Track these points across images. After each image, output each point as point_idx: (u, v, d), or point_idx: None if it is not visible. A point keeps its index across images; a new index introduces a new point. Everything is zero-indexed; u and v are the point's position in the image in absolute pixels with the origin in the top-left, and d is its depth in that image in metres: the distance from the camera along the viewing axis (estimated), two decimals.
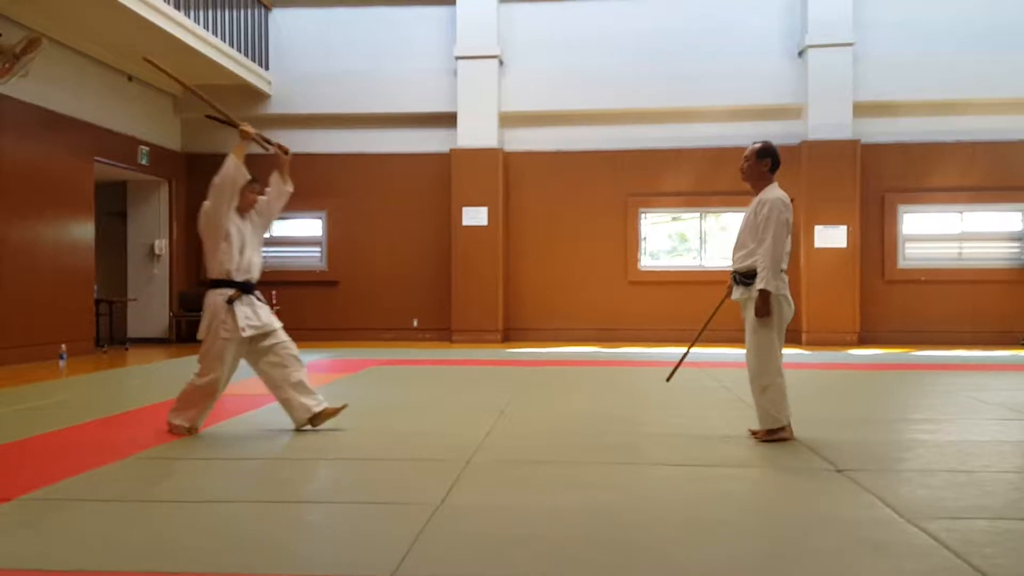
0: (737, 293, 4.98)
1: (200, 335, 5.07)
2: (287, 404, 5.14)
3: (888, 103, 12.92)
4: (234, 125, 5.25)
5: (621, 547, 2.92)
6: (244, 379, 8.10)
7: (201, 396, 5.06)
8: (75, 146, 11.00)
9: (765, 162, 4.96)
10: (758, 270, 4.77)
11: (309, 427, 5.12)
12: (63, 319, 10.69)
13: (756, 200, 4.92)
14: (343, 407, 5.23)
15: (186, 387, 5.10)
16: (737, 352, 11.58)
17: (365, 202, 13.59)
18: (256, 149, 5.25)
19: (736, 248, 4.98)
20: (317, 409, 5.10)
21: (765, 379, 4.81)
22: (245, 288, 5.04)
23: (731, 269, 5.00)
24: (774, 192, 4.88)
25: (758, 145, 5.01)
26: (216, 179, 4.98)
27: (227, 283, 4.98)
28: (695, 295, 12.86)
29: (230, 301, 4.93)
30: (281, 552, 2.87)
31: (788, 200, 4.90)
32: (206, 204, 5.02)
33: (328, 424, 5.21)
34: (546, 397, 6.90)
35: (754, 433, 4.95)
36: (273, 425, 5.47)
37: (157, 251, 13.49)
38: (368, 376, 8.42)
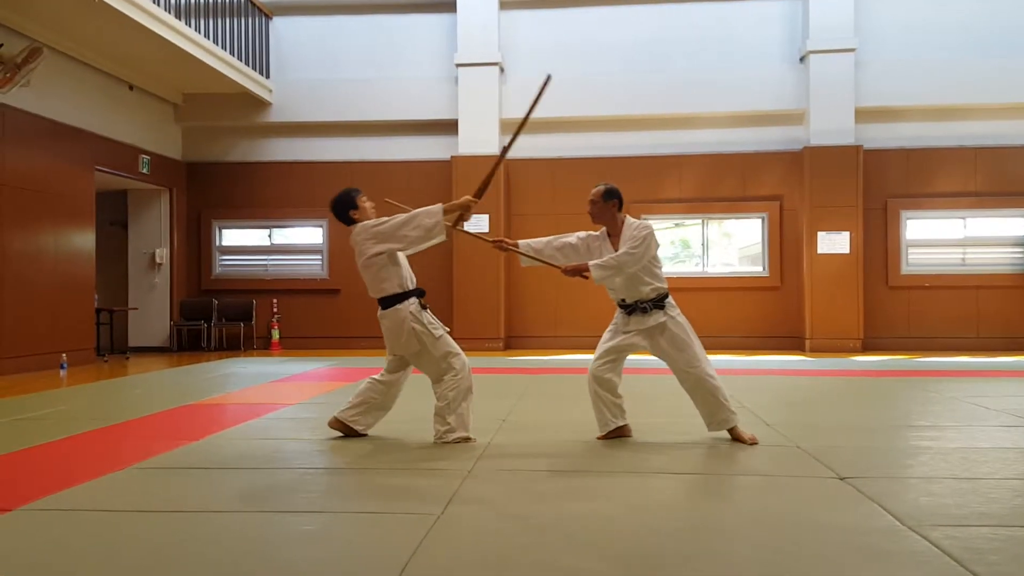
0: (651, 320, 5.00)
1: (405, 350, 5.00)
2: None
3: (890, 108, 12.92)
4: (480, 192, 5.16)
5: (622, 556, 2.90)
6: (245, 388, 8.10)
7: (468, 388, 5.02)
8: (76, 155, 11.02)
9: (613, 203, 5.10)
10: (608, 260, 4.87)
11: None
12: (64, 328, 10.70)
13: (627, 231, 5.02)
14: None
15: (444, 400, 4.97)
16: (740, 359, 11.53)
17: None
18: None
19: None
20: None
21: (717, 378, 4.98)
22: (422, 294, 5.07)
23: (629, 302, 5.04)
24: (638, 221, 5.08)
25: (603, 187, 5.13)
26: (410, 219, 4.89)
27: (408, 294, 4.99)
28: (698, 301, 12.82)
29: (423, 307, 4.99)
30: (279, 563, 2.85)
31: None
32: (379, 230, 4.91)
33: (328, 434, 5.20)
34: (548, 405, 6.89)
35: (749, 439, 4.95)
36: (273, 434, 5.46)
37: (158, 260, 13.51)
38: None
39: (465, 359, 5.08)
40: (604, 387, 5.13)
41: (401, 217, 4.95)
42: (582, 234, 5.26)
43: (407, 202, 14.99)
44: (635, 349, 5.17)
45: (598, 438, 5.16)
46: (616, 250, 4.99)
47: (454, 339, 5.17)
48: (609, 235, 5.12)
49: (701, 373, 4.93)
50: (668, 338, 4.99)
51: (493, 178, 5.26)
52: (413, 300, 4.99)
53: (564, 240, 5.27)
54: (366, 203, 5.18)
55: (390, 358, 5.17)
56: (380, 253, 4.94)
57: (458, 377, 4.99)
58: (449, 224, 5.04)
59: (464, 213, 5.07)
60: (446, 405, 4.99)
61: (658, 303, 5.01)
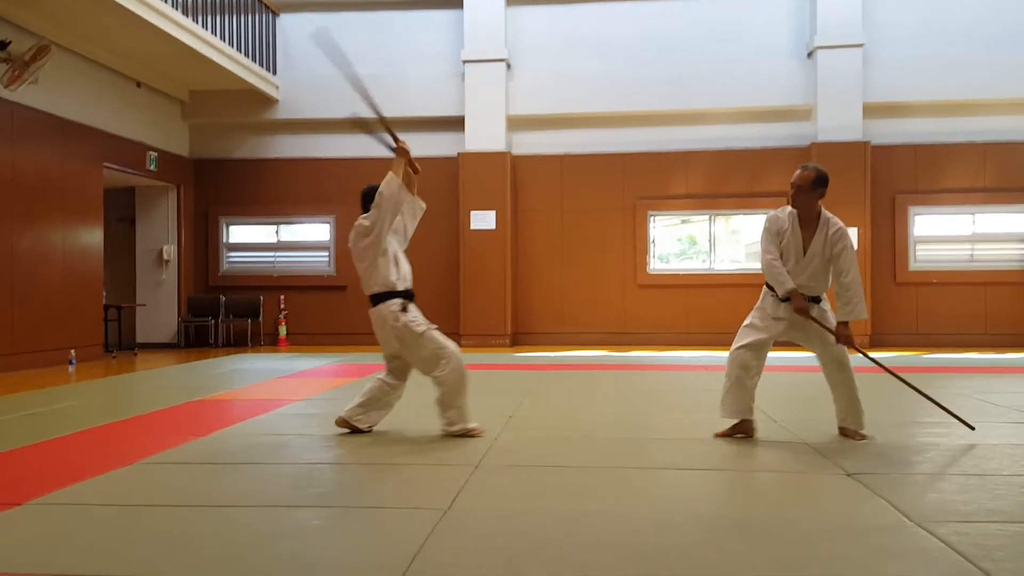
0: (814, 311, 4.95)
1: (391, 350, 5.07)
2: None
3: (898, 104, 12.87)
4: (395, 141, 5.23)
5: (630, 552, 2.90)
6: (252, 384, 8.12)
7: (461, 379, 5.02)
8: (84, 152, 11.06)
9: (819, 191, 4.91)
10: (855, 298, 4.80)
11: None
12: (72, 325, 10.74)
13: (825, 227, 4.87)
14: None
15: (442, 391, 5.01)
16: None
17: None
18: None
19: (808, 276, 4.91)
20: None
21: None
22: (409, 296, 5.09)
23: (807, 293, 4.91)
24: (835, 219, 4.93)
25: (812, 173, 4.91)
26: (378, 198, 4.97)
27: (393, 294, 5.02)
28: (705, 298, 12.83)
29: (404, 309, 5.00)
30: (287, 557, 2.86)
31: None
32: (364, 223, 5.00)
33: (335, 429, 5.21)
34: (555, 401, 6.88)
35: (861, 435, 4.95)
36: (280, 430, 5.47)
37: (165, 256, 13.54)
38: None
39: (455, 350, 5.07)
40: (750, 373, 4.96)
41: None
42: (772, 242, 4.95)
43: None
44: (782, 337, 5.04)
45: (717, 434, 5.02)
46: (806, 239, 4.86)
47: (460, 335, 5.18)
48: (800, 221, 4.91)
49: (851, 367, 4.92)
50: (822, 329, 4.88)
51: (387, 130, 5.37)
52: (396, 301, 5.01)
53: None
54: None
55: (387, 358, 5.22)
56: (371, 234, 4.98)
57: (447, 369, 4.98)
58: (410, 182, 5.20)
59: (408, 161, 5.21)
60: (442, 398, 5.04)
61: (817, 297, 4.96)
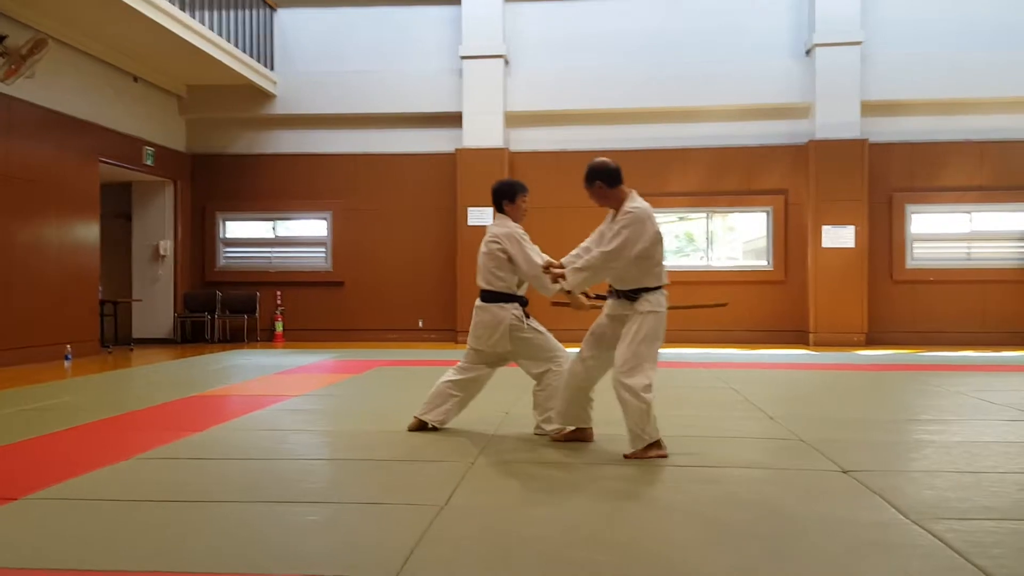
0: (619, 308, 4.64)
1: (494, 347, 5.04)
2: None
3: (896, 102, 12.86)
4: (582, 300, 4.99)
5: (626, 548, 2.90)
6: (248, 380, 8.12)
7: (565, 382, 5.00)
8: (80, 147, 11.03)
9: (597, 185, 4.69)
10: (581, 268, 4.54)
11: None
12: (68, 320, 10.72)
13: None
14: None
15: (544, 387, 5.02)
16: (744, 353, 11.51)
17: (371, 202, 13.60)
18: None
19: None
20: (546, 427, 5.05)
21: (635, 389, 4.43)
22: (525, 302, 5.21)
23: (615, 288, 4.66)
24: (633, 205, 4.53)
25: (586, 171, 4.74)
26: (527, 267, 4.98)
27: (514, 298, 5.12)
28: (702, 295, 12.81)
29: (527, 315, 5.13)
30: (284, 552, 2.86)
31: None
32: (514, 247, 5.04)
33: (331, 425, 5.21)
34: None
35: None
36: (277, 426, 5.47)
37: (162, 252, 13.52)
38: (374, 377, 8.42)
39: (566, 354, 5.11)
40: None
41: (535, 261, 4.95)
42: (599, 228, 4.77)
43: (412, 195, 15.00)
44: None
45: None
46: None
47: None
48: (614, 218, 4.61)
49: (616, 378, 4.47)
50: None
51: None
52: (516, 305, 5.07)
53: (582, 247, 4.77)
54: (524, 203, 5.31)
55: (472, 355, 5.18)
56: (512, 257, 5.04)
57: (559, 369, 5.01)
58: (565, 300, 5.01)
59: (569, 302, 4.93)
60: (542, 394, 5.04)
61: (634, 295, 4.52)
